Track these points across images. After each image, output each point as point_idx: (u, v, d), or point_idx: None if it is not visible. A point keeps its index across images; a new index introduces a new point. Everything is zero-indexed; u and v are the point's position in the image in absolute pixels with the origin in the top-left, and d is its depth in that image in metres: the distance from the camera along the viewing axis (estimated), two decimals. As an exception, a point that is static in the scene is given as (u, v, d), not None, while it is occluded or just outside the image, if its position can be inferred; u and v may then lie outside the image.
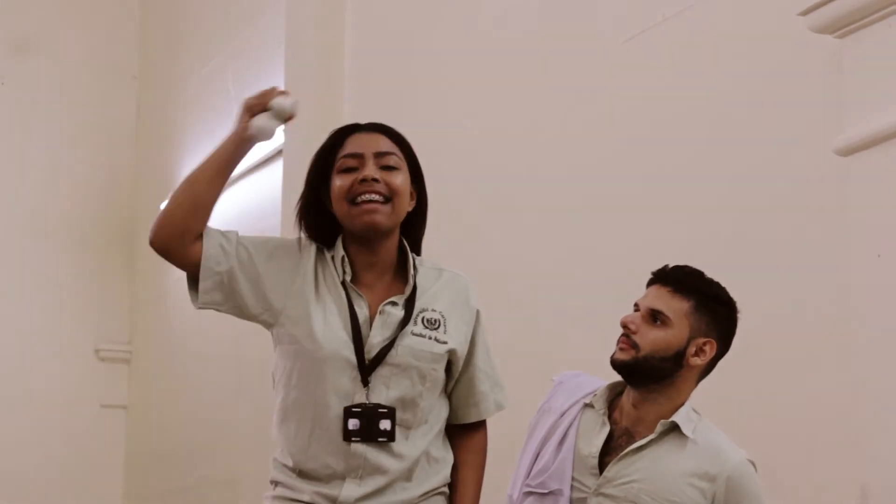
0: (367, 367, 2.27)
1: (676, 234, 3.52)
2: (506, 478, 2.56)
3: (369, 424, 2.25)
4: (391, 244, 2.36)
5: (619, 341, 2.40)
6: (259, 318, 2.34)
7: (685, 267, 2.43)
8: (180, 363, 7.03)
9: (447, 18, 4.86)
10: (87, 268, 7.72)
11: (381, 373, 2.28)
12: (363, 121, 2.45)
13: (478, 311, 2.42)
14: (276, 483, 2.36)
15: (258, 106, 2.27)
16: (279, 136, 5.60)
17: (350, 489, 2.25)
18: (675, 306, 2.38)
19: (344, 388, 2.27)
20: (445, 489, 2.37)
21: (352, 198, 2.29)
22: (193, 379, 6.81)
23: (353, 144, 2.35)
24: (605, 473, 2.37)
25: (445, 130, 4.68)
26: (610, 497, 2.35)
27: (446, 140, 4.63)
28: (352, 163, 2.32)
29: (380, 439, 2.25)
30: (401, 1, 5.25)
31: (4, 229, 7.49)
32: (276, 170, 5.81)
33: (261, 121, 2.27)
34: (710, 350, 2.39)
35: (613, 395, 2.48)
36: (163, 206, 2.33)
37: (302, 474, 2.30)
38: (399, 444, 2.28)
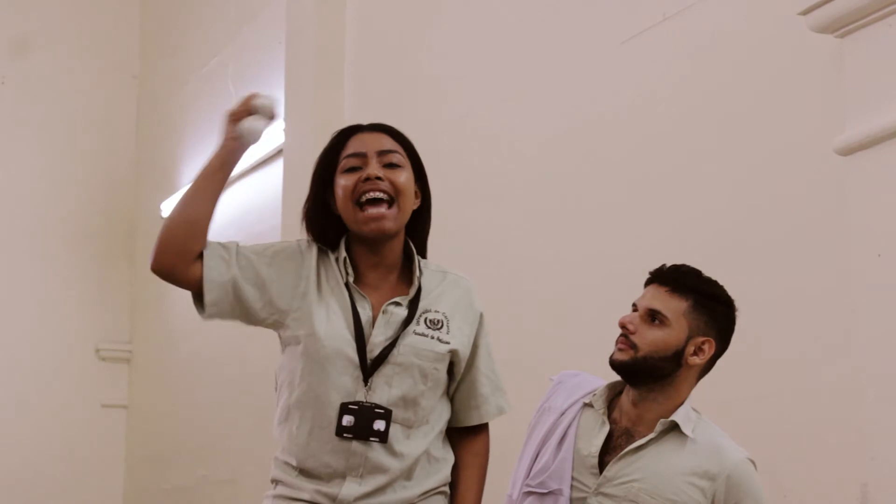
0: (369, 367, 2.27)
1: (676, 233, 3.52)
2: (505, 478, 2.56)
3: (363, 423, 2.25)
4: (396, 245, 2.36)
5: (617, 341, 2.41)
6: (266, 322, 2.35)
7: (683, 266, 2.44)
8: (181, 363, 7.03)
9: (447, 18, 4.86)
10: (88, 267, 7.72)
11: (383, 371, 2.28)
12: (364, 121, 2.45)
13: (481, 314, 2.42)
14: (276, 482, 2.36)
15: (241, 112, 2.29)
16: (279, 135, 5.64)
17: (350, 488, 2.26)
18: (673, 306, 2.38)
19: (346, 386, 2.27)
20: (446, 489, 2.37)
21: (356, 197, 2.30)
22: (194, 379, 6.81)
23: (355, 144, 2.35)
24: (604, 473, 2.38)
25: (445, 130, 4.68)
26: (610, 496, 2.36)
27: (446, 140, 4.63)
28: (355, 162, 2.33)
29: (371, 439, 2.25)
30: (401, 1, 5.25)
31: (4, 229, 7.49)
32: (277, 169, 5.81)
33: (248, 122, 2.29)
34: (708, 349, 2.39)
35: (613, 394, 2.49)
36: (163, 210, 2.33)
37: (303, 473, 2.30)
38: (400, 444, 2.28)
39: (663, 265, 2.45)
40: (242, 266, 2.31)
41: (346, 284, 2.33)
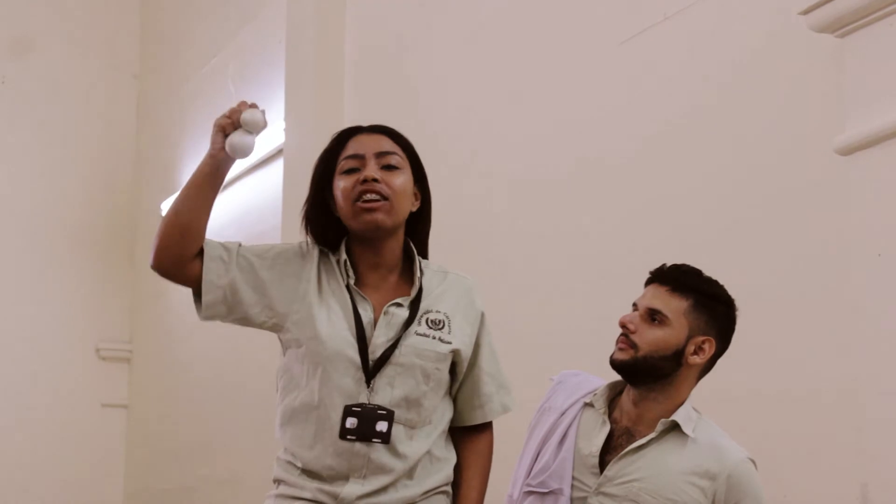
0: (371, 368, 2.27)
1: (676, 232, 3.52)
2: (505, 478, 2.56)
3: (366, 424, 2.25)
4: (395, 245, 2.37)
5: (618, 341, 2.41)
6: (265, 325, 2.35)
7: (683, 266, 2.44)
8: (181, 362, 7.03)
9: (447, 18, 4.86)
10: (88, 267, 7.72)
11: (385, 372, 2.28)
12: (363, 121, 2.45)
13: (482, 313, 2.42)
14: (278, 482, 2.36)
15: (229, 125, 2.25)
16: (279, 135, 5.64)
17: (353, 487, 2.26)
18: (673, 305, 2.38)
19: (348, 388, 2.27)
20: (448, 488, 2.37)
21: (354, 198, 2.30)
22: (194, 378, 6.81)
23: (354, 146, 2.36)
24: (605, 472, 2.38)
25: (445, 130, 4.68)
26: (610, 496, 2.36)
27: (446, 139, 4.63)
28: (353, 164, 2.33)
29: (374, 440, 2.25)
30: (401, 1, 5.25)
31: (4, 228, 7.49)
32: (277, 169, 5.81)
33: (235, 138, 2.24)
34: (709, 348, 2.39)
35: (613, 394, 2.49)
36: (163, 210, 2.34)
37: (305, 472, 2.30)
38: (403, 444, 2.28)
39: (664, 265, 2.45)
40: (242, 268, 2.31)
41: (347, 286, 2.33)
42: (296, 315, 2.31)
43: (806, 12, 2.95)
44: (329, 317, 2.30)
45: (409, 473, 2.29)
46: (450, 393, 2.40)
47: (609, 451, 2.40)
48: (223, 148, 2.25)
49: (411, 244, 2.40)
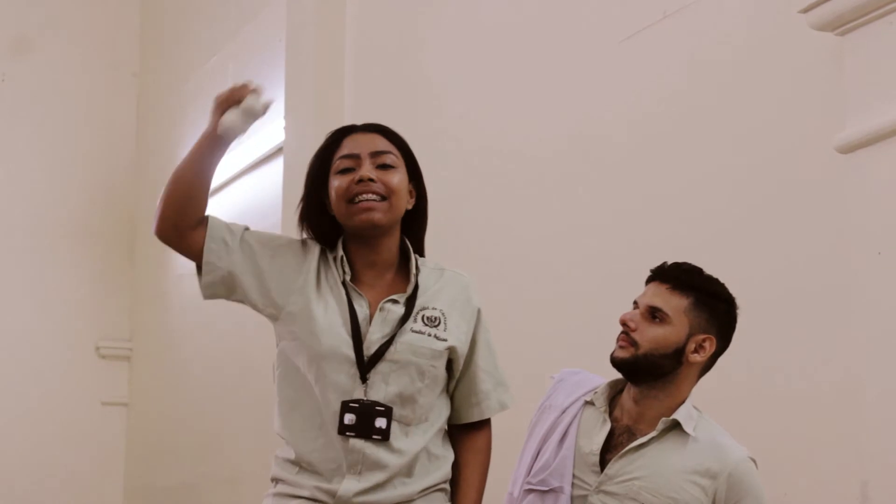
0: (366, 364, 2.28)
1: (676, 231, 3.52)
2: (506, 476, 2.56)
3: (365, 421, 2.25)
4: (391, 243, 2.37)
5: (618, 339, 2.41)
6: (263, 312, 2.37)
7: (683, 264, 2.44)
8: (181, 360, 7.03)
9: (447, 18, 4.86)
10: (88, 265, 7.72)
11: (380, 369, 2.29)
12: (363, 120, 2.46)
13: (479, 310, 2.42)
14: (276, 480, 2.37)
15: (227, 102, 2.26)
16: (279, 134, 5.64)
17: (349, 484, 2.26)
18: (673, 303, 2.38)
19: (343, 384, 2.27)
20: (446, 486, 2.38)
21: (350, 198, 2.31)
22: (194, 376, 6.81)
23: (349, 145, 2.36)
24: (606, 471, 2.38)
25: (445, 129, 4.68)
26: (611, 494, 2.36)
27: (446, 139, 4.63)
28: (348, 163, 2.34)
29: (374, 437, 2.25)
30: (401, 1, 5.25)
31: (4, 227, 7.48)
32: (277, 167, 5.80)
33: (229, 118, 2.25)
34: (709, 346, 2.39)
35: (614, 392, 2.49)
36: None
37: (303, 469, 2.31)
38: (398, 440, 2.28)
39: (664, 263, 2.45)
40: (245, 253, 2.33)
41: (343, 283, 2.33)
42: (292, 307, 2.32)
43: (806, 10, 2.95)
44: (325, 312, 2.30)
45: (407, 471, 2.29)
46: (447, 390, 2.40)
47: (610, 450, 2.40)
48: (216, 128, 2.26)
49: (407, 242, 2.40)
